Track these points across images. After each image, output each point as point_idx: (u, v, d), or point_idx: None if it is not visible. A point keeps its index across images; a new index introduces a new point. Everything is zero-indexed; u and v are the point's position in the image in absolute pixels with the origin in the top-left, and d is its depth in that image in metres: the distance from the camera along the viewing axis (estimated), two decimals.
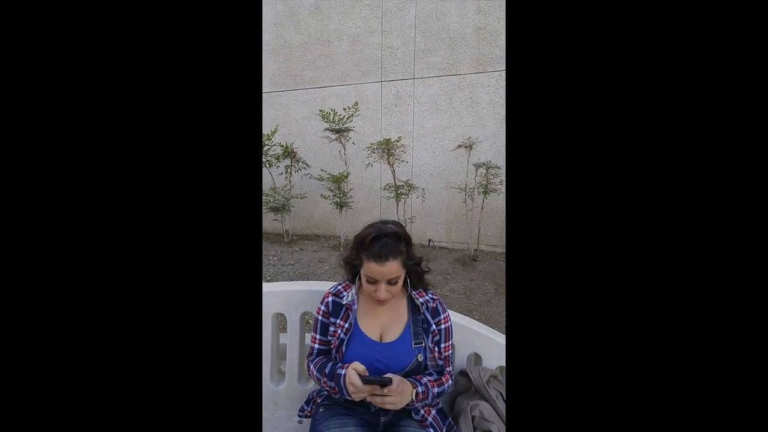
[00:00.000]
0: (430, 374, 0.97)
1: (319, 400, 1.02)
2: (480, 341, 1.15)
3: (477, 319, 1.36)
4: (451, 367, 1.02)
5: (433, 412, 0.98)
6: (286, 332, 1.27)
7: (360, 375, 0.87)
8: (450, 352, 1.02)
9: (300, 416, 1.06)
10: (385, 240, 0.91)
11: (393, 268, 0.89)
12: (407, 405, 0.90)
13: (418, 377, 0.94)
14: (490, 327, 1.21)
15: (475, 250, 3.66)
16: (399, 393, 0.86)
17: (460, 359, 1.16)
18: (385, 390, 0.86)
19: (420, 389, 0.91)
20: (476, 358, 1.18)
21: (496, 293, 2.93)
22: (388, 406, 0.87)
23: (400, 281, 0.93)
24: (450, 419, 1.02)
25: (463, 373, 1.11)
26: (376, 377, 0.87)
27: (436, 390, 0.94)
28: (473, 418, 0.98)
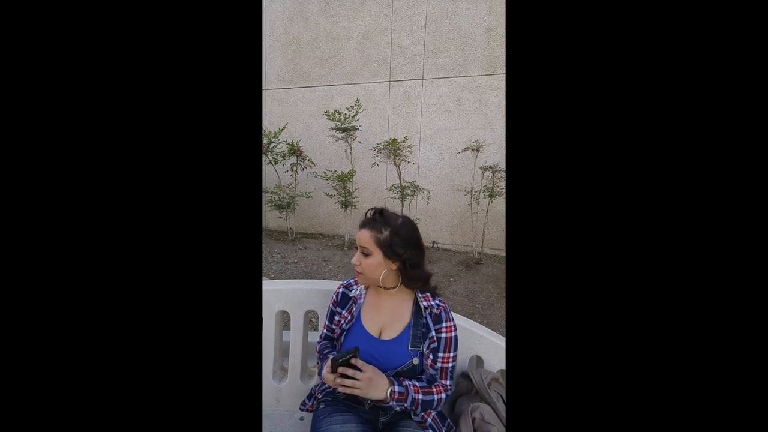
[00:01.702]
0: (420, 380, 0.96)
1: (320, 396, 1.04)
2: (482, 344, 1.16)
3: (479, 322, 1.36)
4: (448, 381, 0.97)
5: (433, 413, 0.99)
6: (289, 330, 1.29)
7: (331, 358, 0.88)
8: (449, 364, 0.97)
9: (302, 410, 1.09)
10: (373, 212, 0.98)
11: (364, 236, 0.95)
12: (383, 402, 0.90)
13: (401, 378, 0.93)
14: (492, 330, 1.21)
15: (479, 253, 3.65)
16: (367, 380, 0.86)
17: (462, 361, 1.17)
18: (351, 372, 0.86)
19: (397, 389, 0.89)
20: (478, 361, 1.18)
21: (499, 297, 2.93)
22: (356, 392, 0.87)
23: (374, 259, 0.94)
24: (449, 421, 1.02)
25: (465, 375, 1.11)
26: (342, 353, 0.87)
27: (420, 396, 0.91)
28: (474, 419, 0.99)
